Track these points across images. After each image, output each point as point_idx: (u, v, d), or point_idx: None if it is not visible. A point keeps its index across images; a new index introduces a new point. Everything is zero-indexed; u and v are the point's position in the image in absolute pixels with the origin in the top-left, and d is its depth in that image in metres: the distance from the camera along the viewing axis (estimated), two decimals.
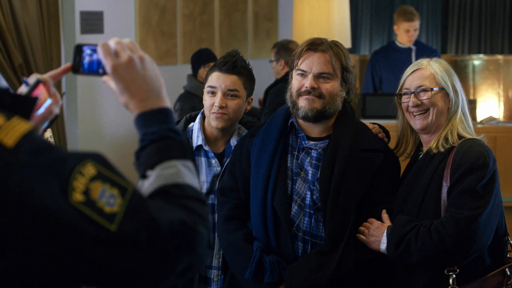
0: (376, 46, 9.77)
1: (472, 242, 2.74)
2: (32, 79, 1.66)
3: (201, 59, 6.45)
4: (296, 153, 3.04)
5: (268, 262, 2.91)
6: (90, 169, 1.32)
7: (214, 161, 3.24)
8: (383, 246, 2.87)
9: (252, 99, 3.31)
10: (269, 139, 3.05)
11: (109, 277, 1.31)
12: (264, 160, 3.02)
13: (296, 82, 3.03)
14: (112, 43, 1.59)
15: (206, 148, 3.24)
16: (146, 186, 1.49)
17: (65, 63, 6.49)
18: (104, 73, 1.61)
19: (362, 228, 2.94)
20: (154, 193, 1.47)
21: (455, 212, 2.74)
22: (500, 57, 8.25)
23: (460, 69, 8.10)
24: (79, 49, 1.66)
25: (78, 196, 1.28)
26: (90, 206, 1.29)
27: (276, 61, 6.41)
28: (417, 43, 7.35)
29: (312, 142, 3.04)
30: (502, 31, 10.32)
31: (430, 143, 2.95)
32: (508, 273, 2.88)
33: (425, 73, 2.97)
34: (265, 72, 7.75)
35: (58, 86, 6.62)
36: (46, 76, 1.69)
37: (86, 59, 1.65)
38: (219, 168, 3.24)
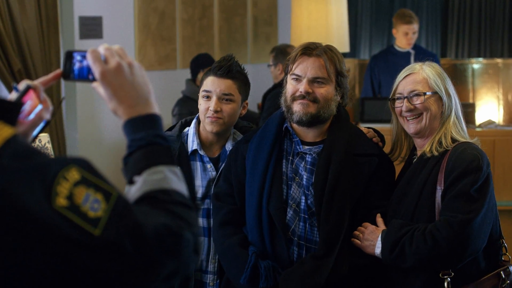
0: (376, 50, 9.77)
1: (466, 246, 2.75)
2: (22, 85, 1.66)
3: (200, 64, 6.45)
4: (290, 158, 3.05)
5: (263, 267, 2.91)
6: (74, 174, 1.32)
7: (209, 165, 3.24)
8: (377, 250, 2.87)
9: (247, 104, 3.32)
10: (264, 144, 3.05)
11: (94, 281, 1.31)
12: (259, 165, 3.03)
13: (290, 86, 3.03)
14: (101, 49, 1.60)
15: (201, 152, 3.24)
16: (133, 191, 1.49)
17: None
18: (94, 79, 1.61)
19: (356, 232, 2.94)
20: (141, 198, 1.47)
21: (449, 216, 2.75)
22: (499, 60, 8.25)
23: (460, 73, 8.09)
24: (69, 55, 1.67)
25: (61, 201, 1.29)
26: (74, 211, 1.29)
27: (274, 66, 6.40)
28: (416, 47, 7.36)
29: (306, 147, 3.05)
30: (501, 35, 10.33)
31: (424, 147, 2.96)
32: (503, 276, 2.89)
33: (418, 77, 2.97)
34: (265, 76, 7.76)
35: (57, 91, 6.63)
36: (37, 82, 1.70)
37: (77, 65, 1.66)
38: (214, 173, 3.24)
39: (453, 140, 2.92)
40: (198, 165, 3.26)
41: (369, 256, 2.91)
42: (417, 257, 2.78)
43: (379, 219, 2.94)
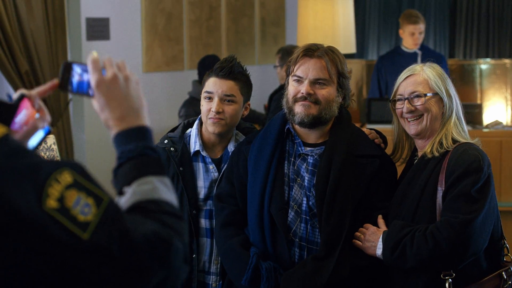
0: (384, 51, 9.76)
1: (467, 246, 2.75)
2: (16, 94, 1.68)
3: (207, 65, 6.44)
4: (292, 159, 3.05)
5: (264, 268, 2.92)
6: (66, 177, 1.34)
7: (211, 166, 3.25)
8: (379, 251, 2.87)
9: (249, 105, 3.32)
10: (266, 146, 3.06)
11: (85, 284, 1.32)
12: (261, 166, 3.03)
13: (292, 88, 3.04)
14: (103, 60, 1.63)
15: (203, 153, 3.25)
16: (123, 202, 1.51)
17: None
18: (93, 95, 1.64)
19: (358, 233, 2.95)
20: (131, 208, 1.49)
21: (450, 216, 2.75)
22: (507, 61, 8.22)
23: (467, 73, 8.08)
24: (68, 67, 1.68)
25: (52, 203, 1.30)
26: (64, 214, 1.30)
27: (280, 67, 6.40)
28: (423, 47, 7.35)
29: (308, 148, 3.05)
30: (510, 35, 10.29)
31: (425, 148, 2.96)
32: (505, 276, 2.88)
33: (419, 78, 2.98)
34: (272, 77, 7.75)
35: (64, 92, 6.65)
36: (33, 92, 1.71)
37: (76, 78, 1.67)
38: (216, 174, 3.25)
39: (454, 141, 2.92)
40: (200, 166, 3.27)
41: (370, 257, 2.91)
42: (418, 257, 2.78)
43: (381, 220, 2.94)
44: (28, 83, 6.26)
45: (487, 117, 7.54)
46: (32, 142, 1.70)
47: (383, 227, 2.92)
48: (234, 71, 3.20)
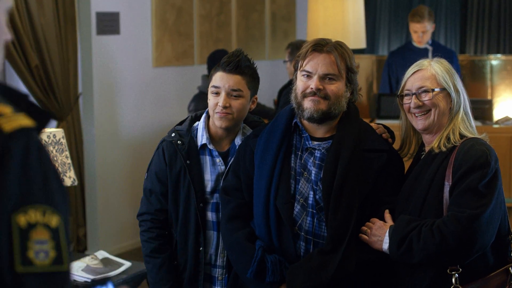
0: (394, 47, 9.74)
1: (474, 241, 2.74)
2: None
3: (217, 60, 6.41)
4: (299, 153, 3.05)
5: (270, 261, 2.92)
6: (53, 219, 1.35)
7: (218, 160, 3.26)
8: (385, 245, 2.87)
9: (256, 98, 3.33)
10: (273, 139, 3.06)
11: None
12: (267, 160, 3.04)
13: (301, 83, 3.03)
14: None
15: (210, 147, 3.26)
16: None
17: (81, 64, 6.52)
18: None
19: (364, 228, 2.94)
20: None
21: (457, 211, 2.75)
22: None
23: (478, 69, 8.05)
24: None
25: (23, 220, 1.32)
26: (22, 236, 1.32)
27: (289, 62, 6.39)
28: (434, 43, 7.34)
29: (315, 143, 3.05)
30: None
31: (432, 143, 2.96)
32: None
33: (426, 74, 2.97)
34: (283, 72, 7.76)
35: (74, 86, 6.68)
36: None
37: None
38: (223, 167, 3.26)
39: (461, 136, 2.91)
40: (207, 159, 3.27)
41: (377, 251, 2.90)
42: (425, 252, 2.78)
43: (387, 215, 2.94)
44: (38, 78, 6.29)
45: (498, 113, 7.52)
46: None
47: (389, 222, 2.91)
48: (240, 66, 3.20)
